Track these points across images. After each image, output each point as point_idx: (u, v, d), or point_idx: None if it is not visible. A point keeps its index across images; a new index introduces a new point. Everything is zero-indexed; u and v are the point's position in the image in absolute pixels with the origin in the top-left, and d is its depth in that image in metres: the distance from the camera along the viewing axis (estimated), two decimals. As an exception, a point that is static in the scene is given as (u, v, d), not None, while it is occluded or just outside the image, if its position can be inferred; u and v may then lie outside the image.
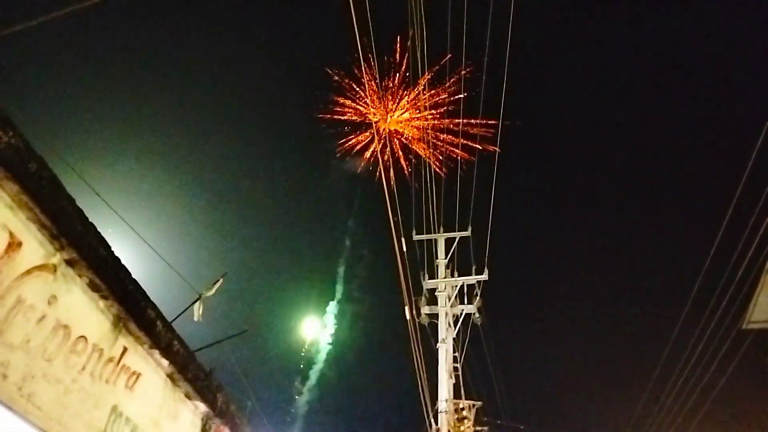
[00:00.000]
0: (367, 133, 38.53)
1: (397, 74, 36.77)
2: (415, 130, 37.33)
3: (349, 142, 39.15)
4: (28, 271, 4.29)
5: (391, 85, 36.93)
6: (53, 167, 4.53)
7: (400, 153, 37.55)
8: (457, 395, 14.88)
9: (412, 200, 15.35)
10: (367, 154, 39.20)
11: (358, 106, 37.96)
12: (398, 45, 35.72)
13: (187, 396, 6.70)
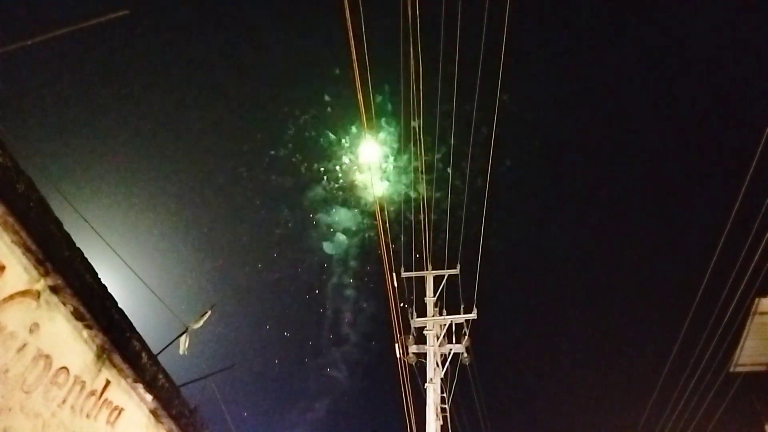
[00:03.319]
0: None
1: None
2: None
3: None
4: (11, 297, 4.08)
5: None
6: (40, 190, 4.37)
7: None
8: (444, 437, 14.51)
9: (401, 237, 15.21)
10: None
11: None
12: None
13: (170, 434, 6.40)
